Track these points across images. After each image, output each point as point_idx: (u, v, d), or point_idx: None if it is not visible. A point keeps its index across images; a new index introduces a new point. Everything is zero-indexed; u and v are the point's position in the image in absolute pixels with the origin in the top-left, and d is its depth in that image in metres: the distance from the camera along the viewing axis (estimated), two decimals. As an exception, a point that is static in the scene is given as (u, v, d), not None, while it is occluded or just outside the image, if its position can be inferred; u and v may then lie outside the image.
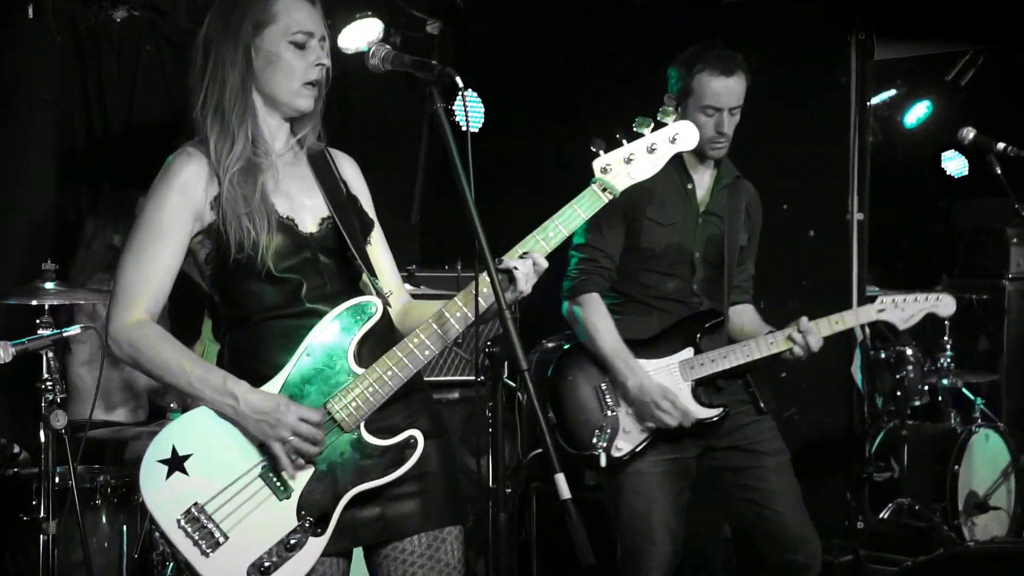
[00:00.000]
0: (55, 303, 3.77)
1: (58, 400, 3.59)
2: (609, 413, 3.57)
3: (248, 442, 2.49)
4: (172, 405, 4.40)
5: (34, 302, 3.74)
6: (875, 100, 6.35)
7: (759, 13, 5.37)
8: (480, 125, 5.77)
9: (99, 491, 3.91)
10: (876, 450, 5.74)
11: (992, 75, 6.55)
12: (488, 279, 2.35)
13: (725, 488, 3.72)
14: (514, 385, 4.49)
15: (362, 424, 2.53)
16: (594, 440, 3.56)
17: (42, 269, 3.82)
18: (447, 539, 2.65)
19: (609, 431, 3.56)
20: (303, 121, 2.67)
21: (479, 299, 2.45)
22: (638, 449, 3.56)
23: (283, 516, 2.49)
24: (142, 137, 5.15)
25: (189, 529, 2.46)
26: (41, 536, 3.57)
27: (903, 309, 3.72)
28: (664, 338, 3.64)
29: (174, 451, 2.48)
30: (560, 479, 2.19)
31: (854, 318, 3.69)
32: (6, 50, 4.85)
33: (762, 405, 3.69)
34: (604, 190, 2.61)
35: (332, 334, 2.53)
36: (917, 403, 5.83)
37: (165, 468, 2.47)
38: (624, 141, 2.63)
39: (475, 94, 5.75)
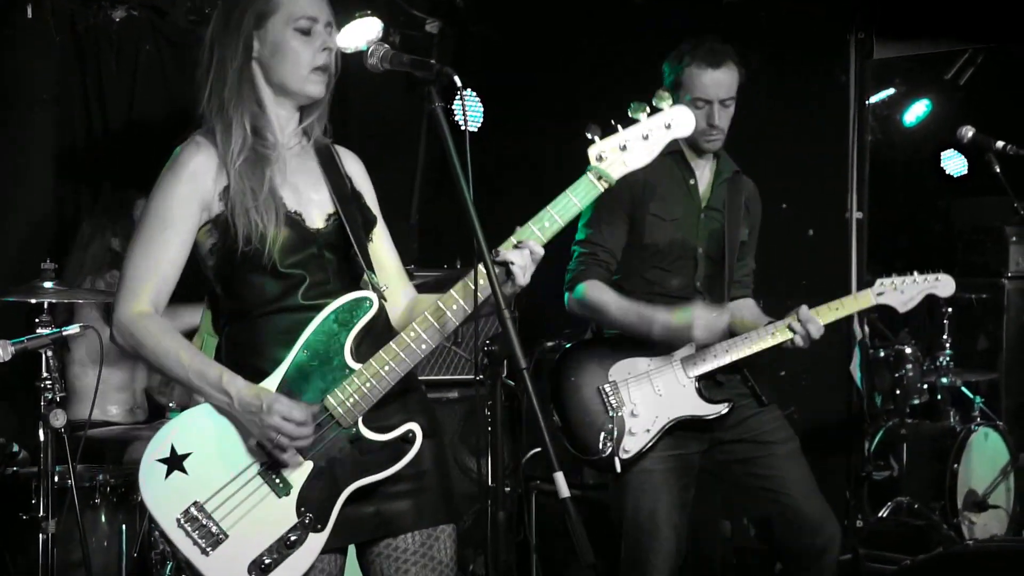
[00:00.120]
0: (54, 302, 3.78)
1: (57, 399, 3.59)
2: (614, 414, 3.56)
3: (246, 440, 2.50)
4: (171, 405, 4.41)
5: (33, 301, 3.75)
6: (874, 99, 6.35)
7: (759, 13, 5.37)
8: (479, 125, 5.78)
9: (98, 490, 3.91)
10: (875, 449, 5.74)
11: (991, 74, 6.55)
12: (485, 272, 2.34)
13: (738, 480, 3.72)
14: (513, 384, 4.49)
15: (360, 419, 2.53)
16: (601, 443, 3.55)
17: (41, 268, 3.83)
18: (440, 537, 2.66)
19: (616, 432, 3.55)
20: (310, 110, 2.67)
21: (477, 292, 2.44)
22: (644, 449, 3.56)
23: (283, 513, 2.49)
24: (141, 137, 5.15)
25: (189, 528, 2.46)
26: (40, 535, 3.58)
27: (902, 291, 3.71)
28: (664, 334, 3.64)
29: (173, 450, 2.48)
30: (559, 478, 2.20)
31: (854, 303, 3.68)
32: (5, 50, 4.86)
33: (763, 397, 3.70)
34: (599, 178, 2.57)
35: (329, 330, 2.53)
36: (916, 402, 5.84)
37: (164, 467, 2.47)
38: (619, 127, 2.59)
39: (474, 94, 5.76)
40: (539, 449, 4.66)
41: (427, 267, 5.27)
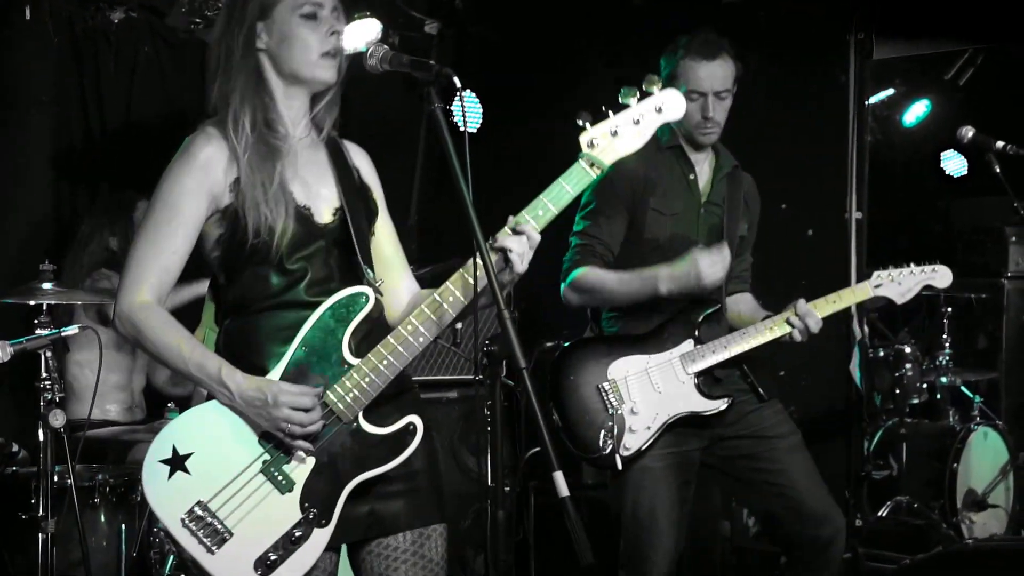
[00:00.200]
0: (53, 303, 3.78)
1: (56, 399, 3.59)
2: (614, 412, 3.56)
3: (248, 437, 2.50)
4: (170, 405, 4.42)
5: (32, 302, 3.74)
6: (874, 99, 6.35)
7: (758, 13, 5.37)
8: (478, 125, 5.78)
9: (98, 490, 3.91)
10: (875, 448, 5.74)
11: (991, 74, 6.55)
12: (482, 263, 2.34)
13: (742, 475, 3.72)
14: (513, 384, 4.49)
15: (360, 414, 2.54)
16: (601, 442, 3.54)
17: (40, 269, 3.83)
18: (432, 536, 2.67)
19: (616, 430, 3.55)
20: (322, 96, 2.66)
21: (476, 285, 2.43)
22: (644, 446, 3.56)
23: (286, 509, 2.49)
24: (139, 138, 5.15)
25: (194, 527, 2.46)
26: (40, 535, 3.58)
27: (900, 283, 3.71)
28: (663, 330, 3.63)
29: (175, 451, 2.48)
30: (558, 477, 2.19)
31: (852, 295, 3.69)
32: (3, 51, 4.86)
33: (762, 392, 3.70)
34: (592, 165, 2.56)
35: (326, 326, 2.53)
36: (916, 401, 5.84)
37: (167, 468, 2.48)
38: (610, 113, 2.57)
39: (473, 94, 5.76)
40: (539, 449, 4.67)
41: (426, 266, 5.26)
